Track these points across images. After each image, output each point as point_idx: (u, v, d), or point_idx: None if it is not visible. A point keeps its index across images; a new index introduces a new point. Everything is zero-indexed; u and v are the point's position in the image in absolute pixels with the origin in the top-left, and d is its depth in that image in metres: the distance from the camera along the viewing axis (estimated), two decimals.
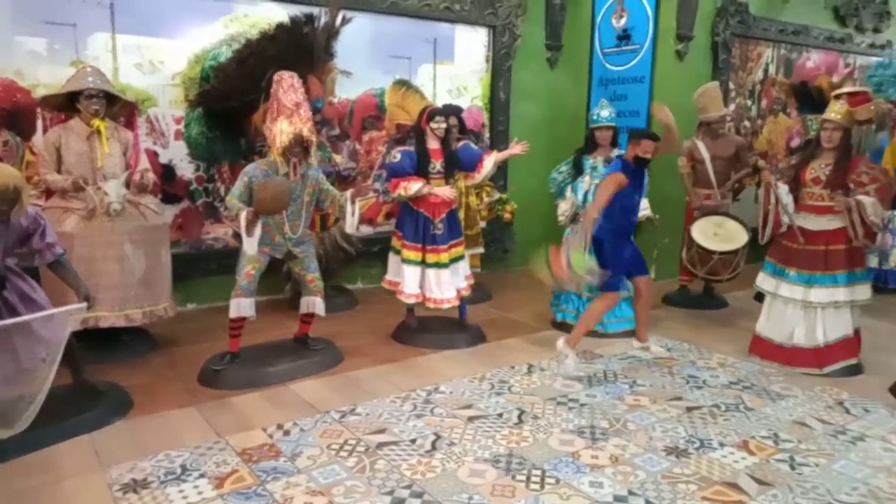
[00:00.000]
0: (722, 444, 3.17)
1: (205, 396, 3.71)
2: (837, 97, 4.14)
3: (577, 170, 4.83)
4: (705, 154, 5.60)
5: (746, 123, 7.66)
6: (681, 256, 5.64)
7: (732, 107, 7.39)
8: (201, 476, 2.82)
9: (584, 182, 4.76)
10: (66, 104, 4.12)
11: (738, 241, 5.19)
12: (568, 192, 4.83)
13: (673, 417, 3.49)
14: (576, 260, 3.85)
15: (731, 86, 7.34)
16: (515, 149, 4.56)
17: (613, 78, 6.96)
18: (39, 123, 4.57)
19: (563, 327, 4.93)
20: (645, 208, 4.83)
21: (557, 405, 3.63)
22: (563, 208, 4.83)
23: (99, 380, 3.58)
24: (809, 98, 6.44)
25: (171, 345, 4.54)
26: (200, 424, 3.35)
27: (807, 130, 6.43)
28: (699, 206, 5.60)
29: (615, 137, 4.81)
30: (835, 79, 8.07)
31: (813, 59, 8.10)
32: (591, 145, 4.85)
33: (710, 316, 5.52)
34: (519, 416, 3.47)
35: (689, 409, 3.59)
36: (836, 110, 4.06)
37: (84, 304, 3.08)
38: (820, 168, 4.12)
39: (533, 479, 2.84)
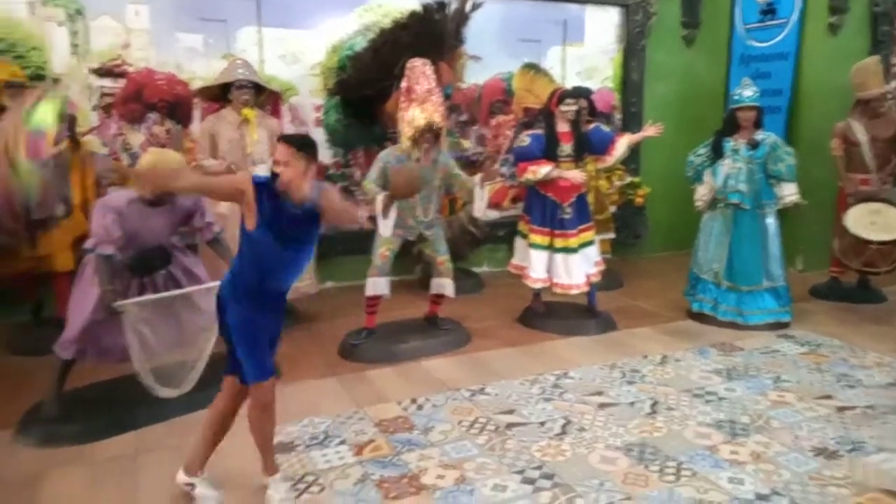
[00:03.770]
0: (880, 449, 2.93)
1: (343, 368, 3.91)
2: None
3: (716, 153, 4.61)
4: (862, 136, 5.12)
5: None
6: (832, 246, 5.23)
7: (894, 83, 6.71)
8: (342, 443, 2.99)
9: (725, 165, 4.52)
10: (220, 95, 4.45)
11: None
12: (706, 176, 4.61)
13: (822, 417, 3.26)
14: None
15: (894, 60, 6.66)
16: (649, 130, 4.42)
17: (755, 55, 6.54)
18: (196, 113, 4.96)
19: (700, 318, 4.74)
20: (792, 193, 4.53)
21: (693, 397, 3.50)
22: (701, 192, 4.62)
23: None
24: None
25: (312, 319, 4.81)
26: (340, 394, 3.53)
27: None
28: (854, 191, 5.15)
29: (758, 118, 4.53)
30: None
31: None
32: (731, 127, 4.60)
33: (863, 311, 5.08)
34: (652, 406, 3.38)
35: (841, 409, 3.34)
36: None
37: None
38: None
39: (667, 470, 2.76)
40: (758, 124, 4.54)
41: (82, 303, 3.06)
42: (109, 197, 3.18)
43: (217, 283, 3.25)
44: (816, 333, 4.47)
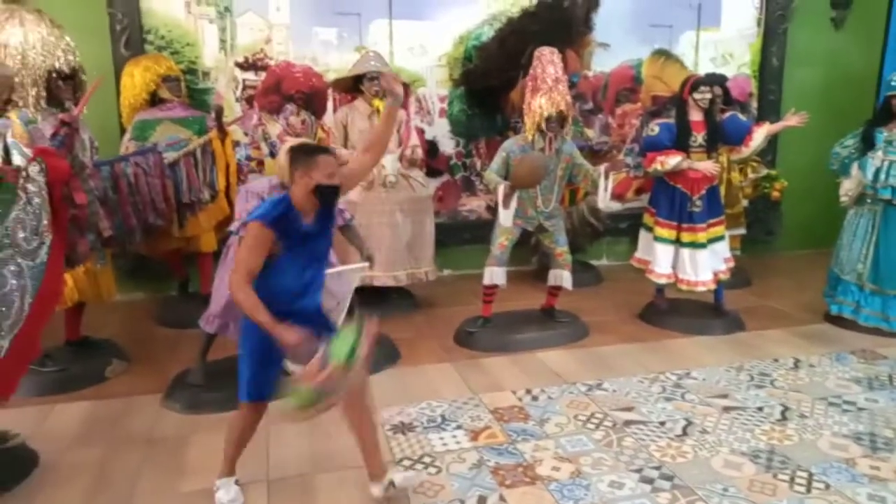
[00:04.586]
0: None
1: (459, 355, 3.99)
2: None
3: (867, 144, 4.26)
4: None
5: None
6: None
7: None
8: (458, 427, 3.06)
9: (876, 158, 4.17)
10: (352, 86, 4.64)
11: None
12: (854, 170, 4.28)
13: None
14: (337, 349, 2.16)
15: None
16: (792, 120, 4.15)
17: None
18: (329, 104, 5.19)
19: (839, 322, 4.41)
20: None
21: (829, 406, 3.28)
22: (847, 187, 4.29)
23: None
24: None
25: (429, 305, 4.94)
26: (456, 380, 3.61)
27: None
28: None
29: None
30: None
31: None
32: (885, 116, 4.25)
33: None
34: (782, 413, 3.21)
35: None
36: None
37: (366, 264, 3.47)
38: None
39: (798, 480, 2.62)
40: None
41: (225, 281, 3.30)
42: (252, 183, 3.42)
43: (347, 268, 3.44)
44: None
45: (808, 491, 2.55)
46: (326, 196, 2.27)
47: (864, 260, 4.29)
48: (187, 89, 4.75)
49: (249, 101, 5.15)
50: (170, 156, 4.14)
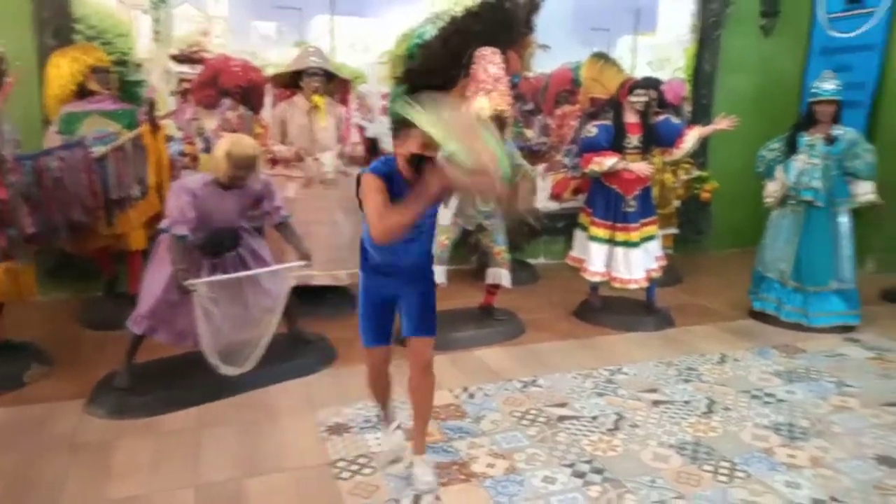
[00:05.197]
0: None
1: (397, 354, 3.92)
2: None
3: (791, 148, 4.46)
4: None
5: None
6: None
7: None
8: (395, 427, 3.05)
9: (798, 161, 4.37)
10: (291, 82, 4.57)
11: None
12: (778, 172, 4.47)
13: (887, 424, 3.15)
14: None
15: None
16: (722, 123, 4.31)
17: (838, 46, 6.28)
18: (268, 100, 5.10)
19: (762, 318, 4.61)
20: (868, 192, 4.37)
21: (752, 398, 3.43)
22: (772, 189, 4.48)
23: (310, 331, 3.98)
24: None
25: None
26: (394, 380, 3.59)
27: None
28: None
29: (837, 113, 4.36)
30: None
31: None
32: (808, 121, 4.45)
33: None
34: (708, 406, 3.33)
35: None
36: None
37: (304, 262, 3.42)
38: None
39: (721, 470, 2.73)
40: (836, 119, 4.37)
41: (155, 280, 3.19)
42: (186, 179, 3.33)
43: (283, 266, 3.40)
44: (886, 338, 4.29)
45: (731, 480, 2.66)
46: (418, 166, 2.28)
47: (786, 259, 4.49)
48: (119, 81, 4.59)
49: (185, 94, 5.01)
50: (98, 150, 4.00)
